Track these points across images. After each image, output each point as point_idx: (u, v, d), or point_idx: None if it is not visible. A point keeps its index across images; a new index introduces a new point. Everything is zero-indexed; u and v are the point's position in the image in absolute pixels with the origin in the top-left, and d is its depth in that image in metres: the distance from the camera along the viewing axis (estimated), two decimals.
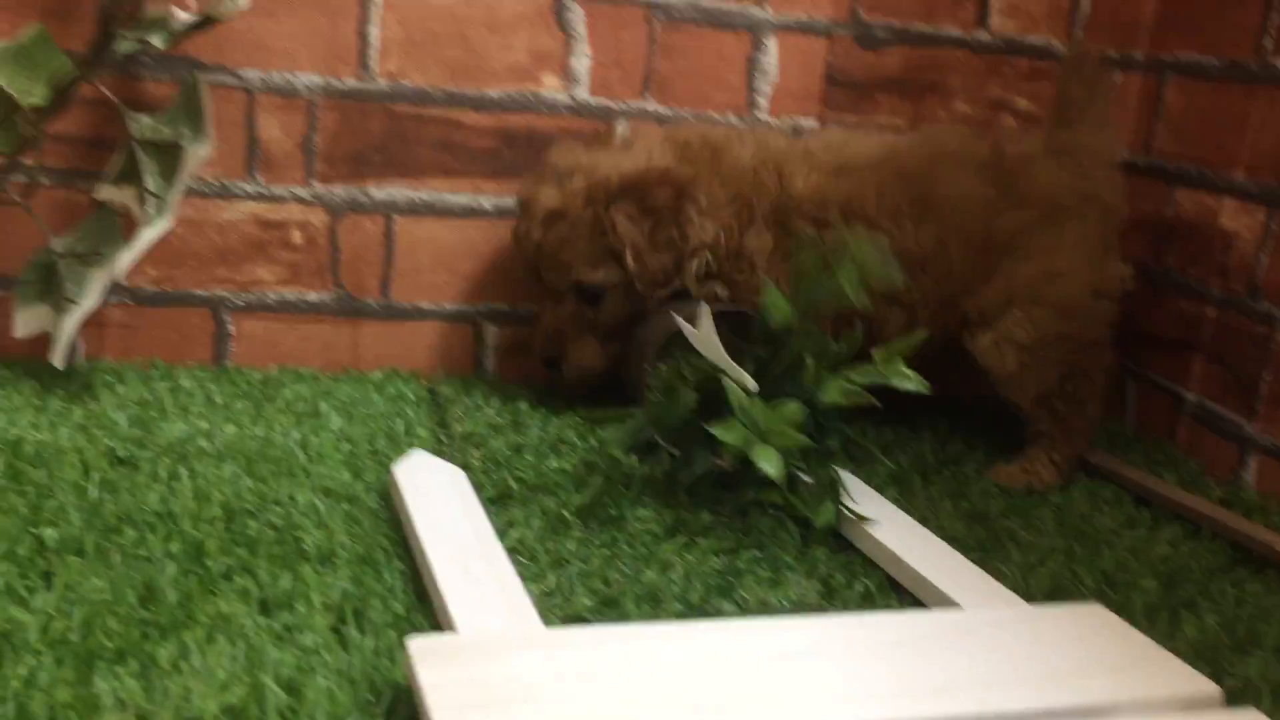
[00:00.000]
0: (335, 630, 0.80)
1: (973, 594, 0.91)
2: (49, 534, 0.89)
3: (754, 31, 1.43)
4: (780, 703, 0.70)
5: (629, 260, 1.24)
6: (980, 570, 0.96)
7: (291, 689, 0.71)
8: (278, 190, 1.36)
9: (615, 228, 1.24)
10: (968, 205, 1.25)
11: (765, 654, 0.76)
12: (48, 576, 0.84)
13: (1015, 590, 0.94)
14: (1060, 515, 1.15)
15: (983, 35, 1.48)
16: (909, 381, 1.04)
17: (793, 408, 1.01)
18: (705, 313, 1.04)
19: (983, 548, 1.05)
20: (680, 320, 1.07)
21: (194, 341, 1.38)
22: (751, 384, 1.00)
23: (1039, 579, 0.99)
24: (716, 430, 1.00)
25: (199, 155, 1.19)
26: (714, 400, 1.04)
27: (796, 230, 1.25)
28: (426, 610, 0.85)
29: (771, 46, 1.43)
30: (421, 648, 0.72)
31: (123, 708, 0.67)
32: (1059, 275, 1.23)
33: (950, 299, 1.26)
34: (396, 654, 0.77)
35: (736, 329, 1.16)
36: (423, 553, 0.89)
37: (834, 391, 1.03)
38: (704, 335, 1.03)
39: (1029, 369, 1.23)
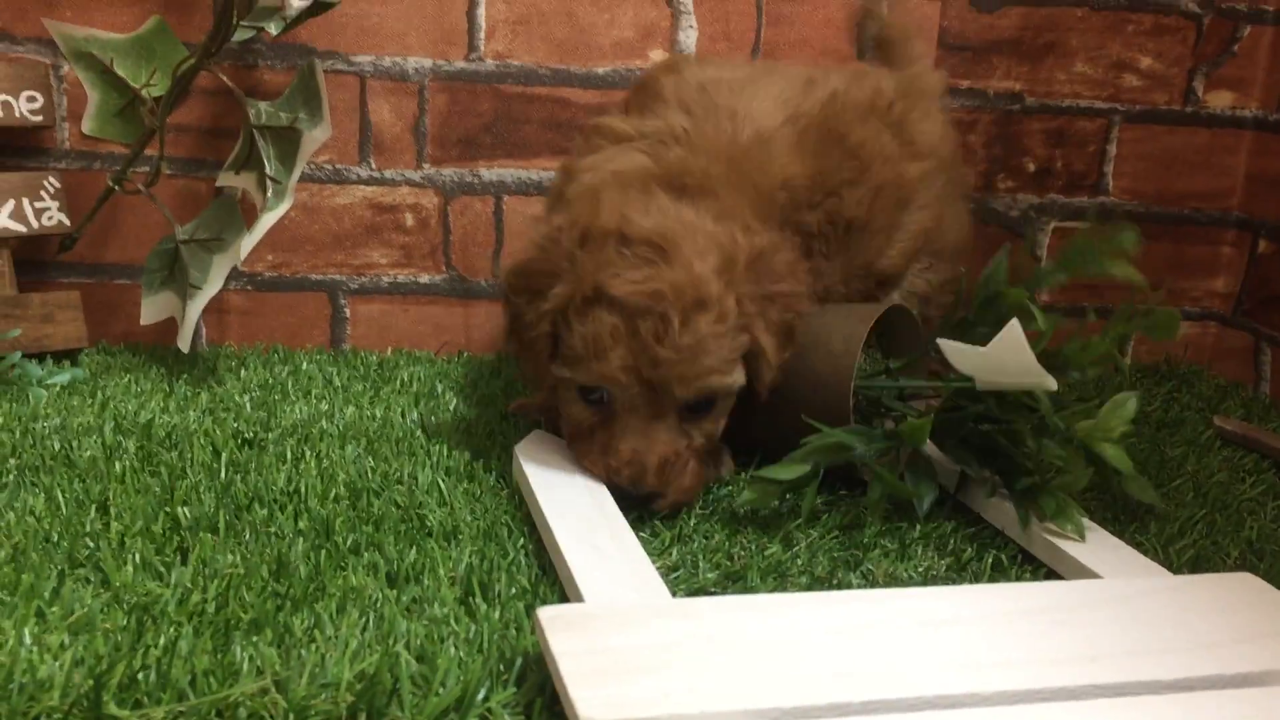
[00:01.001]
0: (463, 602, 0.80)
1: (1113, 564, 0.87)
2: (183, 512, 0.90)
3: None
4: (922, 672, 0.68)
5: (770, 360, 0.99)
6: (1119, 541, 0.93)
7: (422, 657, 0.71)
8: (390, 174, 1.37)
9: (751, 323, 0.97)
10: (882, 158, 1.13)
11: (903, 623, 0.74)
12: (183, 552, 0.85)
13: (1156, 561, 0.91)
14: (1198, 485, 1.10)
15: None
16: (1168, 330, 0.98)
17: (1128, 404, 0.95)
18: (1014, 329, 0.92)
19: (1118, 520, 1.01)
20: (955, 351, 0.96)
21: (312, 325, 1.40)
22: (1052, 383, 0.94)
23: (1180, 550, 0.95)
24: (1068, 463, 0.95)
25: (316, 138, 1.21)
26: (949, 425, 1.00)
27: (807, 221, 1.08)
28: (552, 583, 0.84)
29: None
30: (551, 616, 0.71)
31: (260, 674, 0.68)
32: (949, 226, 1.21)
33: (867, 263, 1.15)
34: (524, 624, 0.77)
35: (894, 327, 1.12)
36: (547, 527, 0.89)
37: (1092, 369, 0.99)
38: (1011, 353, 0.93)
39: (926, 319, 1.18)
